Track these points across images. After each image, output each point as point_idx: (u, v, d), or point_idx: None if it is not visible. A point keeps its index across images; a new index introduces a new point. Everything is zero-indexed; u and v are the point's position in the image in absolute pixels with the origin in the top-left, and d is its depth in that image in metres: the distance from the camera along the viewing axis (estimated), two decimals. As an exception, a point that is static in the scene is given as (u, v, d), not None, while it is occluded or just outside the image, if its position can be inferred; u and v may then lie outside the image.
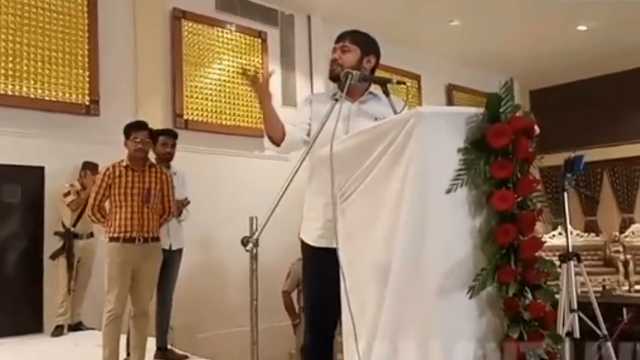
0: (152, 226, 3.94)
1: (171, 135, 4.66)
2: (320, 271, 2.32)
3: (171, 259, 4.45)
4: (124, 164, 3.93)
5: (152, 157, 4.22)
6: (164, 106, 6.13)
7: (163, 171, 4.12)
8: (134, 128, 3.99)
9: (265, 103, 2.41)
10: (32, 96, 5.38)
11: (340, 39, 2.54)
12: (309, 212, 2.51)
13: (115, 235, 3.85)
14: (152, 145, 4.15)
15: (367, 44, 2.56)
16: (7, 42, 5.27)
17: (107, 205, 3.99)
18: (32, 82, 5.39)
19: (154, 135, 4.20)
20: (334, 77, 2.47)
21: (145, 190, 3.93)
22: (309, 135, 2.46)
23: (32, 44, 5.41)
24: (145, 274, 3.93)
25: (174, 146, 4.63)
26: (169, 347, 4.68)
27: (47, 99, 5.46)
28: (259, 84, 2.42)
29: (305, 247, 2.52)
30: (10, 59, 5.28)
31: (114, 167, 3.93)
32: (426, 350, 1.76)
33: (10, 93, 5.25)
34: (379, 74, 2.62)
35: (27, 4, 5.41)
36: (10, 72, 5.28)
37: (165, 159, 4.53)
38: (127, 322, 3.96)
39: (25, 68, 5.36)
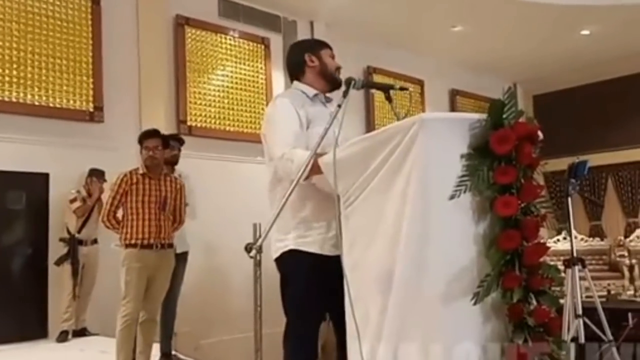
0: (167, 232, 4.01)
1: (177, 139, 4.78)
2: (323, 280, 2.20)
3: (176, 263, 4.44)
4: (141, 171, 3.97)
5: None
6: (167, 112, 6.15)
7: (177, 180, 4.17)
8: (145, 136, 4.05)
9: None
10: (36, 103, 5.40)
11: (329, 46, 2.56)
12: (316, 222, 2.32)
13: (133, 241, 3.88)
14: (164, 152, 4.18)
15: None
16: (11, 49, 5.30)
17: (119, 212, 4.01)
18: (36, 89, 5.41)
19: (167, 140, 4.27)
20: (339, 84, 2.45)
21: (162, 198, 3.99)
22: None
23: (36, 51, 5.44)
24: (158, 279, 3.99)
25: (179, 150, 4.73)
26: (173, 352, 4.69)
27: (51, 105, 5.48)
28: None
29: (304, 257, 2.33)
30: (15, 66, 5.31)
31: (130, 173, 3.96)
32: (429, 355, 1.76)
33: (14, 100, 5.27)
34: (381, 79, 2.62)
35: (31, 11, 5.44)
36: (15, 79, 5.30)
37: (171, 162, 4.58)
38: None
39: (29, 75, 5.38)
